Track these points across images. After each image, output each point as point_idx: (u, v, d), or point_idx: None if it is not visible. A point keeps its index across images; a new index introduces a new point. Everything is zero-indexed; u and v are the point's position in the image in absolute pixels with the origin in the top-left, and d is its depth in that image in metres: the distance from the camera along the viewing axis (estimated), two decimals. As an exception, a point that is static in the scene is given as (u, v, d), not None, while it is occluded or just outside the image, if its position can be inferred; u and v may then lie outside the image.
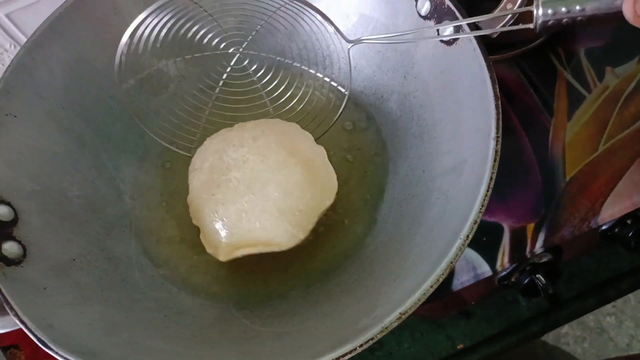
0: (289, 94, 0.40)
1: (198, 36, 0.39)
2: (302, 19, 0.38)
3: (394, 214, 0.35)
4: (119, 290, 0.33)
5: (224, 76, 0.41)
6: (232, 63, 0.42)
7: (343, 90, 0.41)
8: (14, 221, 0.30)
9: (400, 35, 0.34)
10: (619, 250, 0.42)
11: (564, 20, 0.27)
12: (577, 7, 0.26)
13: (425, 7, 0.34)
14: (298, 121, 0.39)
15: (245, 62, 0.41)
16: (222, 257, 0.34)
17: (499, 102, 0.29)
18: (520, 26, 0.29)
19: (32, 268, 0.30)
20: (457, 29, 0.32)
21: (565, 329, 0.90)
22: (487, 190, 0.27)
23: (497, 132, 0.28)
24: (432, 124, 0.35)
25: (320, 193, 0.35)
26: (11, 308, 0.26)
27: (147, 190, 0.39)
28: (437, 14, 0.33)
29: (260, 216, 0.34)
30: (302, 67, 0.42)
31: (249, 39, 0.41)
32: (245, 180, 0.35)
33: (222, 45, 0.40)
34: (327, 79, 0.42)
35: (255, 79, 0.41)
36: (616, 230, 0.40)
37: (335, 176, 0.36)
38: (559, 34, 0.46)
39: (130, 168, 0.40)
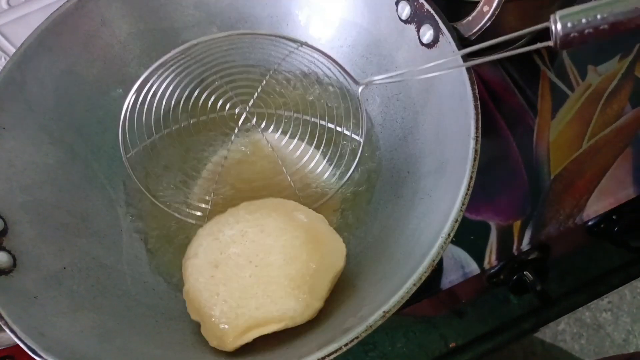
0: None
1: (202, 99, 0.38)
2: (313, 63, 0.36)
3: (380, 215, 0.36)
4: (111, 298, 0.33)
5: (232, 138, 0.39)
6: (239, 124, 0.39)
7: (357, 137, 0.37)
8: (4, 232, 0.31)
9: (404, 72, 0.32)
10: (607, 246, 0.42)
11: (586, 31, 0.23)
12: (599, 17, 0.23)
13: (405, 12, 0.35)
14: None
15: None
16: (230, 345, 0.30)
17: (478, 103, 0.29)
18: (539, 45, 0.26)
19: (23, 277, 0.30)
20: (437, 34, 0.33)
21: (562, 325, 0.90)
22: (468, 189, 0.27)
23: (476, 132, 0.29)
24: (416, 125, 0.35)
25: (328, 255, 0.32)
26: (1, 317, 0.27)
27: (138, 198, 0.39)
28: (417, 18, 0.34)
29: (268, 288, 0.30)
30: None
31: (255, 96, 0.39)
32: (245, 254, 0.32)
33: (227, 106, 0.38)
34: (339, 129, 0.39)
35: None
36: (602, 226, 0.41)
37: (340, 238, 0.34)
38: (542, 34, 0.47)
39: (122, 177, 0.40)
